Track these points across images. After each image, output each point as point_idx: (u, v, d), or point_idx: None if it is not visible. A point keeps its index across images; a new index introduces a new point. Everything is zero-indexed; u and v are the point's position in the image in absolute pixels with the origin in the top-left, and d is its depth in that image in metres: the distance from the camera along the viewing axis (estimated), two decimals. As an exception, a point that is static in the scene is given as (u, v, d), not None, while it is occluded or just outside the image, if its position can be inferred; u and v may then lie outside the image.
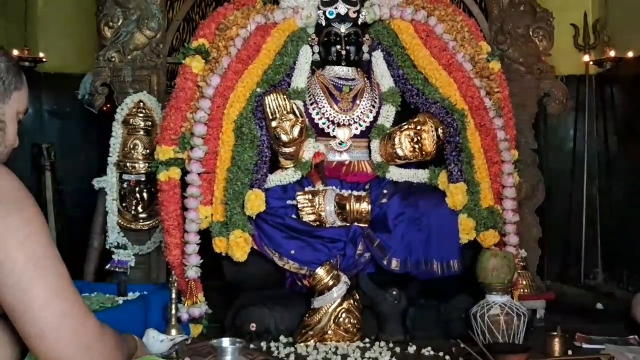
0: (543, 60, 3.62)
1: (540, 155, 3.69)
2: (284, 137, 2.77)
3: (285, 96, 2.82)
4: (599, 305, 3.32)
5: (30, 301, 1.10)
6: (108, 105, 3.66)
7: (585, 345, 2.46)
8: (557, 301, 3.05)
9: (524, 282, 3.02)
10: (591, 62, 4.25)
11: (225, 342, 1.75)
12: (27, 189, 1.17)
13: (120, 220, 3.35)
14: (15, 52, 4.19)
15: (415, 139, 2.87)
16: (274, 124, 2.77)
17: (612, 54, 4.07)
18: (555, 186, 4.12)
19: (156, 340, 2.15)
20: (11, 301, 1.10)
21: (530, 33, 3.62)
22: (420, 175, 2.91)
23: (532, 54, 3.60)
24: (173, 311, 2.50)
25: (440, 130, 2.86)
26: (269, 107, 2.78)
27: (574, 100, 4.18)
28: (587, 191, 4.23)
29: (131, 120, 3.37)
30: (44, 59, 4.31)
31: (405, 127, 2.90)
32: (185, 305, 2.68)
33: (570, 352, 2.34)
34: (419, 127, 2.87)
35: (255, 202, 2.67)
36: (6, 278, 1.09)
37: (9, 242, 1.11)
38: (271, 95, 2.80)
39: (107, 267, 3.30)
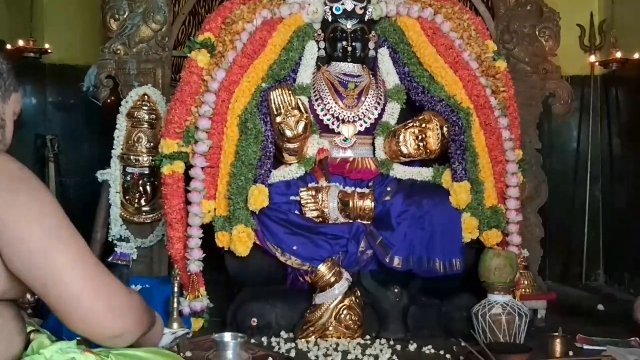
0: (549, 60, 3.61)
1: (544, 156, 3.68)
2: (289, 133, 2.77)
3: (290, 92, 2.82)
4: (600, 307, 3.31)
5: (60, 271, 1.11)
6: (112, 98, 3.66)
7: (586, 347, 2.46)
8: (558, 302, 3.05)
9: (526, 282, 3.02)
10: (597, 63, 4.24)
11: (227, 336, 1.76)
12: (32, 172, 1.19)
13: (123, 213, 3.35)
14: (21, 43, 4.19)
15: (420, 137, 2.87)
16: (278, 119, 2.77)
17: (618, 55, 4.05)
18: (558, 187, 4.11)
19: (158, 334, 2.15)
20: (40, 276, 1.11)
21: (537, 33, 3.61)
22: (424, 174, 2.91)
23: (537, 53, 3.59)
24: (175, 305, 2.50)
25: (445, 129, 2.86)
26: (274, 103, 2.78)
27: (579, 101, 4.17)
28: (590, 192, 4.22)
29: (135, 113, 3.36)
30: (49, 50, 4.30)
31: (410, 124, 2.90)
32: (187, 299, 2.69)
33: (571, 353, 2.34)
34: (423, 125, 2.87)
35: (258, 197, 2.67)
36: (28, 254, 1.11)
37: (24, 219, 1.11)
38: (276, 90, 2.80)
39: (110, 259, 3.30)
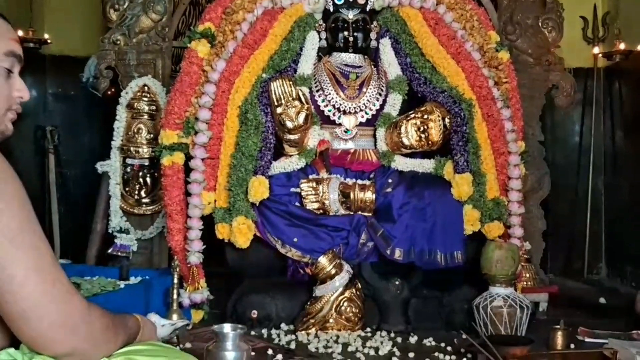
0: (552, 51, 3.59)
1: (547, 148, 3.67)
2: (289, 124, 2.75)
3: (291, 82, 2.79)
4: (602, 300, 3.30)
5: (10, 279, 1.03)
6: (113, 89, 3.64)
7: (587, 340, 2.45)
8: (560, 295, 3.04)
9: (528, 275, 3.01)
10: (600, 55, 4.21)
11: (227, 328, 1.74)
12: (6, 162, 1.10)
13: (123, 205, 3.34)
14: (20, 33, 4.15)
15: (422, 128, 2.84)
16: (279, 110, 2.75)
17: (621, 46, 4.02)
18: (561, 179, 4.09)
19: (157, 325, 2.13)
20: None
21: (540, 24, 3.58)
22: (426, 165, 2.89)
23: (541, 45, 3.57)
24: (175, 296, 2.49)
25: (447, 120, 2.84)
26: (275, 93, 2.76)
27: (582, 93, 4.15)
28: (593, 185, 4.20)
29: (135, 104, 3.35)
30: (49, 41, 4.28)
31: (412, 116, 2.88)
32: (187, 290, 2.68)
33: (572, 346, 2.33)
34: (425, 116, 2.85)
35: (258, 188, 2.65)
36: None
37: None
38: (277, 81, 2.77)
39: (110, 251, 3.30)
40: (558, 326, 2.33)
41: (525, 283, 2.97)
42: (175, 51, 3.64)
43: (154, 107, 3.35)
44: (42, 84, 4.49)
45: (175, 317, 2.38)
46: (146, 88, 3.37)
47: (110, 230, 3.34)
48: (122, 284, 2.77)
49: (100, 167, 3.38)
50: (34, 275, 1.05)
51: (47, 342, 1.06)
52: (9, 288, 1.03)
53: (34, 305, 1.04)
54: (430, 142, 2.86)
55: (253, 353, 2.01)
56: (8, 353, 1.12)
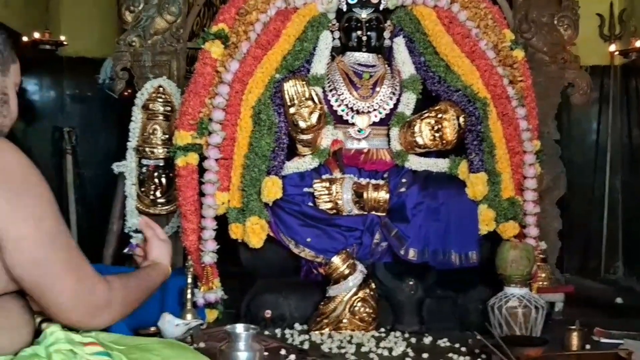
0: (567, 49, 3.55)
1: (563, 147, 3.63)
2: (302, 124, 2.75)
3: (304, 82, 2.80)
4: (619, 300, 3.27)
5: (50, 276, 1.16)
6: (129, 91, 3.67)
7: (603, 340, 2.43)
8: (576, 295, 3.01)
9: (543, 275, 2.98)
10: (616, 53, 4.16)
11: (239, 328, 1.75)
12: (33, 165, 1.18)
13: (138, 205, 3.36)
14: (37, 35, 4.21)
15: (436, 128, 2.84)
16: (292, 110, 2.76)
17: (638, 44, 3.98)
18: (577, 178, 4.06)
19: (171, 325, 2.16)
20: (34, 278, 1.15)
21: (555, 22, 3.54)
22: (440, 165, 2.88)
23: (556, 43, 3.53)
24: (189, 296, 2.51)
25: (461, 119, 2.83)
26: (288, 94, 2.76)
27: (598, 91, 4.11)
28: (610, 184, 4.16)
29: (151, 105, 3.37)
30: (65, 43, 4.32)
31: (426, 115, 2.87)
32: (201, 290, 2.69)
33: (588, 346, 2.32)
34: (439, 116, 2.84)
35: (272, 188, 2.66)
36: (25, 255, 1.13)
37: (23, 221, 1.13)
38: (290, 81, 2.78)
39: (125, 250, 3.29)
40: (573, 326, 2.31)
41: (540, 283, 2.94)
42: (190, 52, 3.65)
43: (169, 108, 3.37)
44: (59, 86, 4.55)
45: (189, 316, 2.39)
46: (161, 89, 3.39)
47: (126, 230, 3.36)
48: (137, 283, 2.78)
49: (117, 167, 3.41)
50: (70, 271, 1.18)
51: (84, 323, 1.22)
52: (51, 283, 1.16)
53: (70, 297, 1.18)
54: (444, 142, 2.85)
55: (266, 353, 2.02)
56: (32, 349, 1.19)
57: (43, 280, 1.15)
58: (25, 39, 4.15)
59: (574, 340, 2.29)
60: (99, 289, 1.22)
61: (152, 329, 2.26)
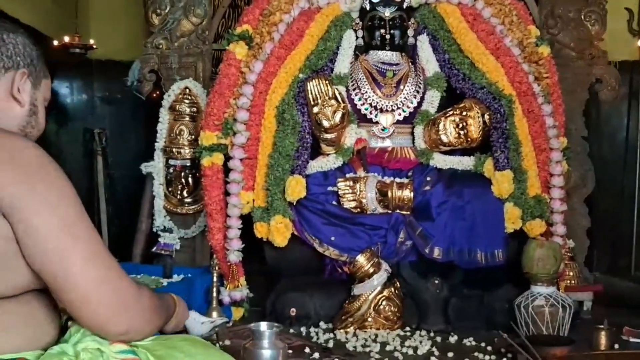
0: (595, 45, 3.49)
1: (592, 144, 3.57)
2: (326, 123, 2.76)
3: (327, 82, 2.81)
4: (650, 299, 3.21)
5: (69, 268, 1.13)
6: (157, 92, 3.72)
7: (632, 340, 2.38)
8: (605, 294, 2.97)
9: (571, 274, 2.95)
10: (646, 48, 4.08)
11: (263, 326, 1.77)
12: (54, 161, 1.19)
13: (166, 205, 3.41)
14: (66, 39, 4.30)
15: (461, 125, 2.82)
16: (315, 109, 2.77)
17: (669, 38, 3.90)
18: (607, 175, 3.98)
19: (197, 323, 2.17)
20: (50, 269, 1.14)
21: (582, 17, 3.49)
22: (465, 163, 2.86)
23: (583, 38, 3.48)
24: (214, 294, 2.54)
25: (486, 116, 2.81)
26: (311, 93, 2.78)
27: (627, 86, 4.03)
28: (640, 181, 4.08)
29: (177, 106, 3.41)
30: (94, 46, 4.41)
31: (451, 112, 2.85)
32: (227, 288, 2.72)
33: (617, 346, 2.28)
34: (464, 113, 2.82)
35: (296, 188, 2.68)
36: (42, 244, 1.12)
37: (43, 209, 1.12)
38: (313, 80, 2.79)
39: (154, 249, 3.37)
40: (602, 326, 2.28)
41: (568, 282, 2.91)
42: (215, 54, 3.70)
43: (195, 109, 3.41)
44: (89, 88, 4.64)
45: (215, 314, 2.42)
46: (187, 90, 3.43)
47: (154, 230, 3.41)
48: (165, 281, 2.84)
49: (145, 168, 3.46)
50: (91, 262, 1.14)
51: (105, 324, 1.17)
52: (70, 275, 1.13)
53: (92, 290, 1.14)
54: (469, 139, 2.83)
55: (290, 351, 2.03)
56: (60, 347, 1.20)
57: (58, 270, 1.12)
58: (55, 43, 4.23)
59: (602, 339, 2.26)
60: (125, 285, 1.18)
61: (179, 326, 2.30)
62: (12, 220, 1.11)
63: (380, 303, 2.58)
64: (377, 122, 2.98)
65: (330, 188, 2.78)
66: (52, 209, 1.13)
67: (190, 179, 3.41)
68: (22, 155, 1.15)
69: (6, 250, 1.13)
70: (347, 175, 2.82)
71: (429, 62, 3.03)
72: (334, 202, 2.76)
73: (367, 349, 2.34)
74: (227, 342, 2.24)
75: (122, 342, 1.21)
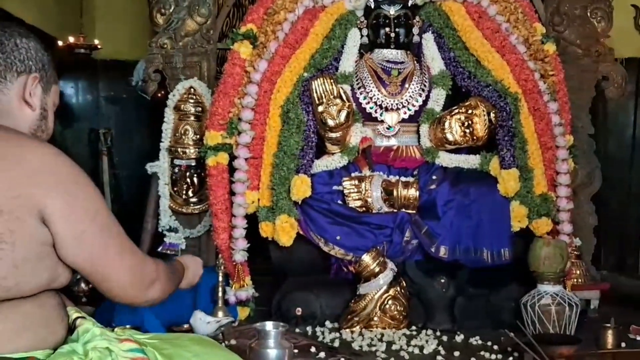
0: (601, 42, 3.47)
1: (598, 141, 3.56)
2: (331, 122, 2.76)
3: (332, 80, 2.80)
4: (657, 297, 3.19)
5: (112, 261, 1.29)
6: (161, 92, 3.72)
7: (639, 338, 2.38)
8: (612, 292, 2.95)
9: (578, 272, 2.94)
10: (654, 44, 4.05)
11: (269, 325, 1.78)
12: (78, 166, 1.28)
13: (172, 204, 3.40)
14: (71, 39, 4.30)
15: (466, 124, 2.81)
16: (320, 108, 2.76)
17: (676, 35, 3.86)
18: (613, 173, 3.96)
19: (203, 322, 2.19)
20: (93, 267, 1.28)
21: (588, 14, 3.47)
22: (471, 161, 2.85)
23: (589, 35, 3.46)
24: (220, 294, 2.54)
25: (492, 115, 2.80)
26: (316, 92, 2.77)
27: (634, 84, 4.01)
28: (647, 179, 4.06)
29: (182, 106, 3.41)
30: (99, 46, 4.41)
31: (456, 111, 2.85)
32: (233, 288, 2.72)
33: (623, 344, 2.27)
34: (470, 111, 2.81)
35: (301, 187, 2.67)
36: (86, 248, 1.25)
37: (81, 219, 1.24)
38: (318, 79, 2.79)
39: (159, 249, 3.37)
40: (609, 324, 2.27)
41: (575, 280, 2.90)
42: (220, 53, 3.69)
43: (200, 109, 3.40)
44: (94, 88, 4.65)
45: (220, 314, 2.42)
46: (192, 90, 3.43)
47: (160, 229, 3.41)
48: (170, 281, 2.83)
49: (150, 167, 3.46)
50: (124, 255, 1.31)
51: (135, 297, 1.35)
52: (111, 268, 1.30)
53: (127, 276, 1.32)
54: (475, 138, 2.82)
55: (296, 350, 2.03)
56: (70, 346, 1.25)
57: (103, 267, 1.28)
58: (60, 43, 4.24)
59: (609, 338, 2.25)
60: (148, 264, 1.37)
61: (185, 326, 2.30)
62: (56, 227, 1.21)
63: (386, 302, 2.58)
64: (382, 121, 2.98)
65: (335, 187, 2.78)
66: (93, 216, 1.26)
67: (195, 179, 3.41)
68: (57, 166, 1.24)
69: (38, 254, 1.20)
70: (353, 174, 2.81)
71: (434, 60, 3.02)
72: (340, 201, 2.76)
73: (373, 349, 2.34)
74: (233, 342, 2.25)
75: (131, 341, 1.29)
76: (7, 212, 1.16)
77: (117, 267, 1.30)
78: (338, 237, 2.68)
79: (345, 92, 2.83)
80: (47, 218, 1.19)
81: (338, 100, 2.76)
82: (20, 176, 1.18)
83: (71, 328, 1.29)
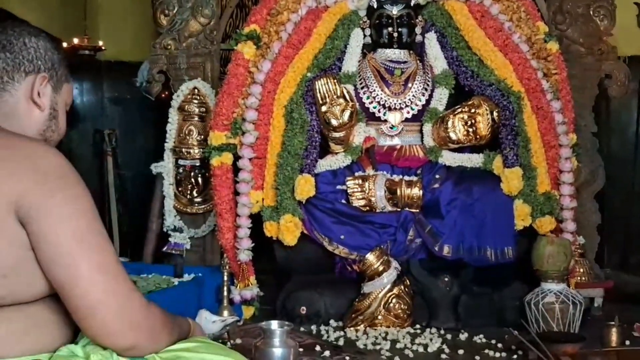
0: (604, 40, 3.47)
1: (601, 140, 3.56)
2: (334, 122, 2.76)
3: (335, 80, 2.81)
4: (661, 295, 3.19)
5: (78, 277, 1.13)
6: (165, 93, 3.73)
7: (644, 336, 2.38)
8: (615, 290, 2.95)
9: (582, 270, 2.94)
10: (657, 42, 4.05)
11: (274, 324, 1.78)
12: (74, 169, 1.20)
13: (176, 204, 3.42)
14: (75, 41, 4.32)
15: (469, 123, 2.82)
16: (324, 108, 2.77)
17: (679, 33, 3.86)
18: (617, 171, 3.96)
19: (208, 321, 2.20)
20: (60, 277, 1.14)
21: (591, 12, 3.47)
22: (474, 160, 2.86)
23: (592, 34, 3.46)
24: (225, 293, 2.55)
25: (495, 114, 2.81)
26: (319, 92, 2.78)
27: (637, 82, 4.00)
28: (651, 176, 4.05)
29: (186, 106, 3.43)
30: (103, 47, 4.43)
31: (459, 110, 2.85)
32: (238, 287, 2.73)
33: (627, 342, 2.27)
34: (473, 110, 2.82)
35: (305, 187, 2.68)
36: (53, 251, 1.13)
37: (54, 217, 1.13)
38: (321, 79, 2.80)
39: (164, 249, 3.38)
40: (613, 322, 2.28)
41: (579, 278, 2.89)
42: (223, 54, 3.70)
43: (204, 109, 3.42)
44: (99, 89, 4.66)
45: (225, 313, 2.44)
46: (196, 90, 3.44)
47: (165, 229, 3.43)
48: (176, 281, 2.85)
49: (155, 168, 3.48)
50: (101, 273, 1.14)
51: (111, 336, 1.15)
52: (78, 284, 1.13)
53: (100, 301, 1.13)
54: (478, 137, 2.83)
55: (301, 349, 2.04)
56: (68, 348, 1.20)
57: (66, 279, 1.13)
58: (65, 44, 4.26)
59: (613, 336, 2.25)
60: (135, 300, 1.17)
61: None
62: (29, 229, 1.13)
63: (390, 301, 2.59)
64: (385, 121, 2.98)
65: (339, 187, 2.78)
66: (66, 220, 1.14)
67: (199, 179, 3.42)
68: (42, 163, 1.16)
69: (25, 258, 1.14)
70: (356, 174, 2.82)
71: (437, 59, 3.02)
72: (343, 201, 2.77)
73: (378, 347, 2.35)
74: (238, 341, 2.26)
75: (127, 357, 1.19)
76: None
77: (90, 288, 1.12)
78: (342, 237, 2.68)
79: (348, 92, 2.84)
80: (22, 219, 1.11)
81: (341, 100, 2.77)
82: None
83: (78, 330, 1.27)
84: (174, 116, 3.44)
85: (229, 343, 2.21)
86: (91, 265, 1.14)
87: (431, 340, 2.42)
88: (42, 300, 1.20)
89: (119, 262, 1.20)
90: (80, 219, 1.15)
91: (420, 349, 2.34)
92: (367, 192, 2.75)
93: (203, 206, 3.43)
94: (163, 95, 3.75)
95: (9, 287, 1.13)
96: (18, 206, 1.11)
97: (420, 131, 2.98)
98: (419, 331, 2.56)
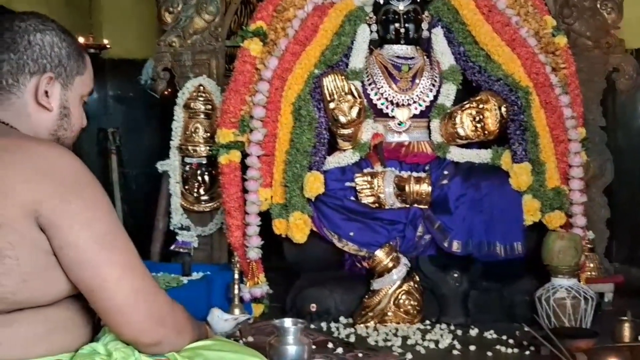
0: (612, 33, 3.45)
1: (610, 133, 3.54)
2: (342, 119, 2.75)
3: (343, 77, 2.80)
4: (671, 289, 3.18)
5: (105, 280, 1.15)
6: (170, 90, 3.72)
7: (656, 331, 2.36)
8: (626, 285, 2.94)
9: (592, 265, 2.93)
10: (665, 35, 4.02)
11: (288, 322, 1.78)
12: (89, 171, 1.19)
13: (183, 203, 3.41)
14: (80, 40, 4.31)
15: (478, 118, 2.81)
16: (332, 105, 2.76)
17: (687, 25, 3.84)
18: (625, 165, 3.93)
19: (220, 320, 2.20)
20: (86, 281, 1.15)
21: (598, 5, 3.44)
22: (482, 156, 2.85)
23: (599, 27, 3.44)
24: (236, 291, 2.55)
25: (503, 109, 2.79)
26: (327, 89, 2.77)
27: (645, 75, 3.97)
28: (659, 170, 4.03)
29: (192, 104, 3.41)
30: (108, 46, 4.42)
31: (467, 105, 2.84)
32: (247, 285, 2.73)
33: (640, 337, 2.26)
34: (481, 106, 2.81)
35: (314, 184, 2.68)
36: (77, 257, 1.13)
37: (74, 224, 1.13)
38: (329, 76, 2.78)
39: (172, 247, 3.38)
40: (625, 317, 2.26)
41: (589, 273, 2.89)
42: (228, 50, 3.69)
43: (210, 107, 3.41)
44: (103, 88, 4.65)
45: (237, 311, 2.43)
46: (201, 88, 3.43)
47: (171, 228, 3.42)
48: (185, 279, 2.85)
49: (160, 166, 3.47)
50: (126, 274, 1.15)
51: (139, 333, 1.17)
52: (106, 287, 1.14)
53: (128, 301, 1.15)
54: (486, 132, 2.82)
55: (314, 347, 2.04)
56: (90, 347, 1.21)
57: (94, 283, 1.14)
58: (69, 43, 4.25)
59: (625, 331, 2.23)
60: (161, 297, 1.19)
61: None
62: (50, 234, 1.13)
63: (399, 297, 2.59)
64: (393, 117, 2.97)
65: (347, 183, 2.78)
66: (86, 225, 1.14)
67: (206, 177, 3.41)
68: (57, 167, 1.15)
69: (46, 262, 1.14)
70: (365, 171, 2.81)
71: (444, 55, 3.01)
72: (352, 198, 2.76)
73: (389, 343, 2.35)
74: (251, 339, 2.25)
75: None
76: (4, 224, 1.09)
77: (117, 289, 1.14)
78: (351, 233, 2.68)
79: (356, 89, 2.83)
80: (43, 225, 1.11)
81: (349, 97, 2.76)
82: (15, 183, 1.10)
83: (98, 329, 1.28)
84: (179, 114, 3.43)
85: (241, 341, 2.20)
86: (116, 267, 1.15)
87: (442, 336, 2.42)
88: (62, 301, 1.20)
89: (142, 262, 1.21)
90: (100, 223, 1.16)
91: (432, 345, 2.34)
92: (375, 188, 2.75)
93: (210, 204, 3.42)
94: (167, 93, 3.74)
95: (29, 291, 1.13)
96: (38, 213, 1.11)
97: (428, 127, 2.96)
98: (429, 327, 2.56)
